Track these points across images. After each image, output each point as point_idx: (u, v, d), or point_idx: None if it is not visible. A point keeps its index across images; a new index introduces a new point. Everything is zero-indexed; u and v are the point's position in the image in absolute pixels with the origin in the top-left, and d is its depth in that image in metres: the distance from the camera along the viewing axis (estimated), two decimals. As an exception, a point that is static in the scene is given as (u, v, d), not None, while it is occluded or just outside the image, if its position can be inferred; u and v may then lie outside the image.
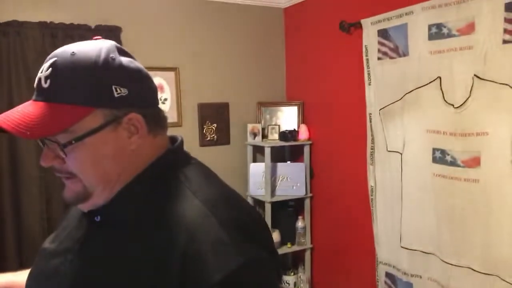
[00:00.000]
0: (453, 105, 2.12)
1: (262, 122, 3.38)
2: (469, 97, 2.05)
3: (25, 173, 2.58)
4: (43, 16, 2.61)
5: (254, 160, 3.37)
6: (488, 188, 2.01)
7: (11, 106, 2.50)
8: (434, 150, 2.24)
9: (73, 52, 0.72)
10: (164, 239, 0.69)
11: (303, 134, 3.24)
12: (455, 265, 2.18)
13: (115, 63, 0.73)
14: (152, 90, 0.80)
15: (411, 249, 2.42)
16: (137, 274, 0.68)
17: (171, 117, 3.06)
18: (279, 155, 3.41)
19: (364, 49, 2.62)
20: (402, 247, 2.47)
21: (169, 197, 0.75)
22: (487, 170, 2.01)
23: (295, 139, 3.22)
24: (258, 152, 3.40)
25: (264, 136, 3.34)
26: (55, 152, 0.73)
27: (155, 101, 0.81)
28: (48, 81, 0.71)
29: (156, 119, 0.79)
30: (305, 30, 3.27)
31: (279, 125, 3.32)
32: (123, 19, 2.84)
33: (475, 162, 2.05)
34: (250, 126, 3.31)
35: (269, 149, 3.12)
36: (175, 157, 0.82)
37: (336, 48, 2.94)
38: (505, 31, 1.88)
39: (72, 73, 0.70)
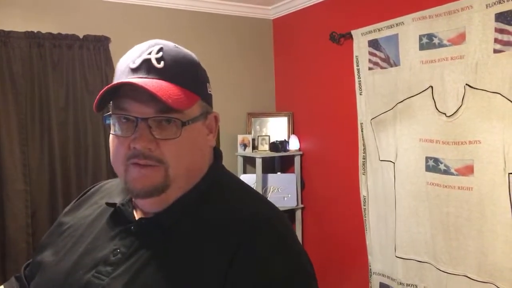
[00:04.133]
0: (445, 113, 2.14)
1: (252, 133, 3.37)
2: (461, 105, 2.07)
3: (9, 187, 2.49)
4: (30, 26, 2.54)
5: (245, 172, 3.34)
6: (482, 196, 2.02)
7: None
8: (427, 158, 2.25)
9: (175, 45, 0.76)
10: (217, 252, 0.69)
11: (294, 144, 3.23)
12: (450, 273, 2.18)
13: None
14: None
15: (406, 258, 2.41)
16: None
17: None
18: (270, 166, 3.39)
19: (355, 60, 2.64)
20: (397, 256, 2.46)
21: (214, 207, 0.76)
22: (480, 178, 2.03)
23: (286, 150, 3.21)
24: (248, 163, 3.37)
25: (254, 147, 3.32)
26: (150, 136, 0.70)
27: None
28: (162, 62, 0.72)
29: None
30: (294, 41, 3.28)
31: (269, 136, 3.31)
32: (111, 30, 2.79)
33: (468, 170, 2.07)
34: (240, 137, 3.29)
35: (260, 159, 3.10)
36: (220, 169, 0.84)
37: (326, 59, 2.96)
38: (496, 40, 1.91)
39: (181, 62, 0.74)
